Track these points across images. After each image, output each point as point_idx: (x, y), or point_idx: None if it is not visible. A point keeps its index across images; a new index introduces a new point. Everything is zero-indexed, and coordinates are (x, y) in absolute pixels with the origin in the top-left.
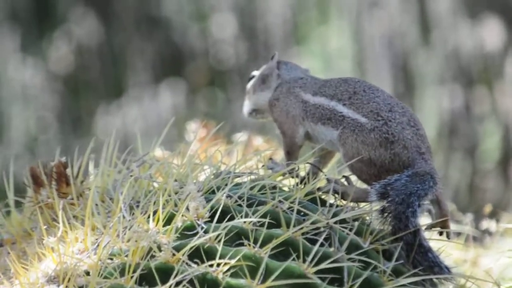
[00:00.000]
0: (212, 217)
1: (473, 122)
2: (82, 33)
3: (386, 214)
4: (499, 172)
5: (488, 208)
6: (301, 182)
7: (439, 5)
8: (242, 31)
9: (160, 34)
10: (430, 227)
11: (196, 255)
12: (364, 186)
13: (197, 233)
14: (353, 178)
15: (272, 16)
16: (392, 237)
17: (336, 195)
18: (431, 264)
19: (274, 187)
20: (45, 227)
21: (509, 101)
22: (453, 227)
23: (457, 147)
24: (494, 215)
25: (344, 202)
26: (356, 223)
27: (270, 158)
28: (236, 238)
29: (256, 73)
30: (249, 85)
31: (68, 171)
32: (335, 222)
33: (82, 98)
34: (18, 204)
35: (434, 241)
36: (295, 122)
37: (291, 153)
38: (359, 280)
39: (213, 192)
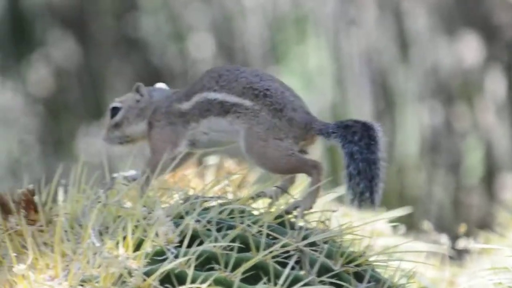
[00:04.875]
0: (181, 242)
1: (454, 138)
2: (60, 56)
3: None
4: (483, 188)
5: (463, 228)
6: (269, 206)
7: (417, 22)
8: (220, 50)
9: (138, 55)
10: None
11: (167, 280)
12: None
13: (167, 258)
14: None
15: (250, 35)
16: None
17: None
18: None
19: (243, 211)
20: (14, 254)
21: (489, 117)
22: (429, 247)
23: (440, 164)
24: (474, 233)
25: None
26: (326, 246)
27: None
28: (207, 262)
29: (118, 104)
30: (119, 117)
31: (36, 198)
32: (305, 245)
33: (63, 120)
34: None
35: (409, 262)
36: (178, 137)
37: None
38: None
39: (182, 217)
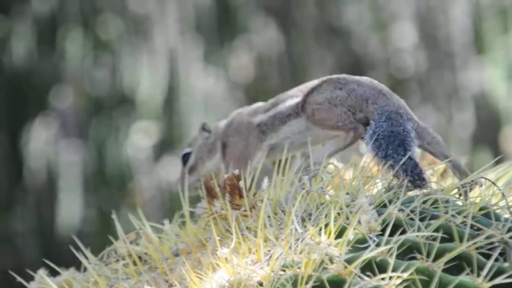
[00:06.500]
0: (383, 230)
1: None
2: (262, 43)
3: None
4: None
5: None
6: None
7: None
8: (422, 40)
9: (340, 43)
10: None
11: (368, 268)
12: None
13: (368, 246)
14: None
15: (453, 25)
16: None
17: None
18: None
19: (447, 201)
20: (218, 238)
21: None
22: None
23: None
24: None
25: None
26: None
27: None
28: (408, 251)
29: (187, 150)
30: (192, 160)
31: (241, 183)
32: (510, 237)
33: None
34: (193, 215)
35: None
36: (250, 152)
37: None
38: None
39: (385, 206)
